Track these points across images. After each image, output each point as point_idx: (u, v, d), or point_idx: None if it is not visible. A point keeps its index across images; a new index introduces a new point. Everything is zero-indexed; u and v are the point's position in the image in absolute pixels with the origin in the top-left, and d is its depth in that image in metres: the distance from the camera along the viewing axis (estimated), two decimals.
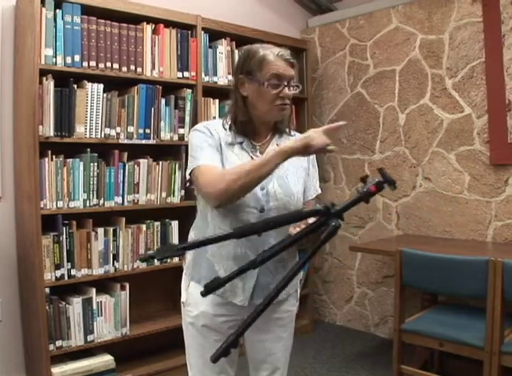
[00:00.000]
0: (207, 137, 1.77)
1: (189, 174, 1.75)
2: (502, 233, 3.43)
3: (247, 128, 1.81)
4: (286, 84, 1.72)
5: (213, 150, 1.74)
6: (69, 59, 2.88)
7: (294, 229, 1.55)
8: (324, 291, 4.52)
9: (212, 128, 1.81)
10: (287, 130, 1.90)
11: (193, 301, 1.83)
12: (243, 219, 1.71)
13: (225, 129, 1.81)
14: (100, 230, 3.03)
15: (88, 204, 2.98)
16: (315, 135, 1.58)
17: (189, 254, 1.88)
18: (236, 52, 3.67)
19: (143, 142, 3.21)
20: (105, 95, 3.03)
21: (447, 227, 3.70)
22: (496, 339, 2.53)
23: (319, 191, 1.96)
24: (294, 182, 1.81)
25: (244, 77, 1.76)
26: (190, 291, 1.84)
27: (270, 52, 1.73)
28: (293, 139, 1.80)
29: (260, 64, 1.73)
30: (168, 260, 3.30)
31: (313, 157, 1.94)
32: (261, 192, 1.74)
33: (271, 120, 1.81)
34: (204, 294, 1.37)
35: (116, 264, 3.09)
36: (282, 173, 1.78)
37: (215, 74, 3.60)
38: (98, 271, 3.02)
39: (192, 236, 1.90)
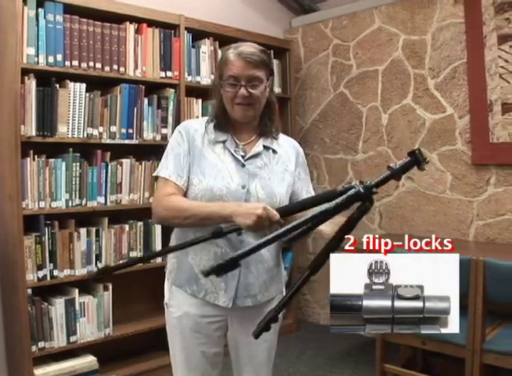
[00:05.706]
0: (178, 142, 1.80)
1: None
2: (484, 232, 3.46)
3: (228, 126, 1.81)
4: (243, 84, 1.71)
5: (178, 159, 1.77)
6: (51, 59, 2.86)
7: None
8: (308, 290, 4.52)
9: (193, 127, 1.83)
10: (274, 132, 1.87)
11: (176, 302, 1.82)
12: None
13: (208, 128, 1.82)
14: (83, 230, 3.02)
15: (70, 204, 2.96)
16: (246, 220, 1.51)
17: (172, 258, 1.87)
18: (220, 51, 3.66)
19: (126, 142, 3.19)
20: (87, 94, 3.00)
21: (430, 226, 3.72)
22: (478, 337, 2.56)
23: (313, 193, 1.96)
24: (277, 183, 1.80)
25: (218, 76, 1.79)
26: (173, 292, 1.84)
27: (233, 52, 1.73)
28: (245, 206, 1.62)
29: (223, 65, 1.76)
30: (151, 260, 3.29)
31: (304, 160, 1.96)
32: (241, 191, 1.74)
33: (238, 120, 1.79)
34: (206, 274, 1.44)
35: (99, 264, 3.07)
36: (265, 175, 1.79)
37: (198, 73, 3.58)
38: (80, 271, 3.00)
39: (174, 238, 1.89)
